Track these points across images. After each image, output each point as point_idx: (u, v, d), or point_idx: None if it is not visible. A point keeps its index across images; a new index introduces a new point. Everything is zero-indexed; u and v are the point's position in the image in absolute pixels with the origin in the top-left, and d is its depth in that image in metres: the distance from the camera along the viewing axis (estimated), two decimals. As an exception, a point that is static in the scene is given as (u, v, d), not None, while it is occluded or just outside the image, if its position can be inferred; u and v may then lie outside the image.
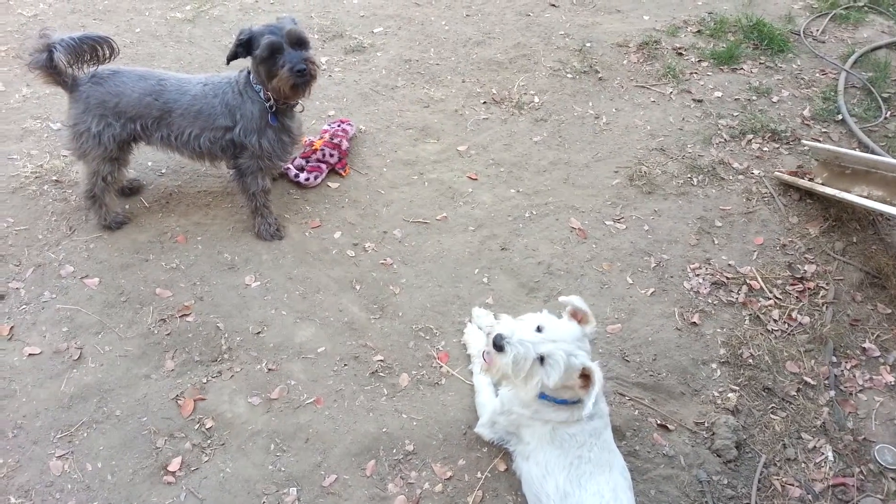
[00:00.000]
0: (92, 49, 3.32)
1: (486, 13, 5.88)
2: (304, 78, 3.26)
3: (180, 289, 3.55)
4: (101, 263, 3.63)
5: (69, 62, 3.27)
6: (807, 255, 3.90)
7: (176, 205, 3.98)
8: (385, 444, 3.01)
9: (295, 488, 2.84)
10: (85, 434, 2.97)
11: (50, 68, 3.25)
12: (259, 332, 3.39)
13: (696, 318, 3.55)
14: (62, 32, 3.24)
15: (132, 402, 3.08)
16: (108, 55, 3.40)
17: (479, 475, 2.92)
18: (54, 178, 4.05)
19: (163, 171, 4.20)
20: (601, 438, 2.56)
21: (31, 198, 3.93)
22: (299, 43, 3.27)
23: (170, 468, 2.87)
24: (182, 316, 3.42)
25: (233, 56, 3.37)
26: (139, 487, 2.81)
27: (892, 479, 2.97)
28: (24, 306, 3.41)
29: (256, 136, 3.50)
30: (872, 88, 5.05)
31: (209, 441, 2.97)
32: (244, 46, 3.32)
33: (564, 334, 2.40)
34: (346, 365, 3.29)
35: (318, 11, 5.78)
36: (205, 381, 3.18)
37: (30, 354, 3.21)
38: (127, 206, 3.94)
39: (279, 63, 3.24)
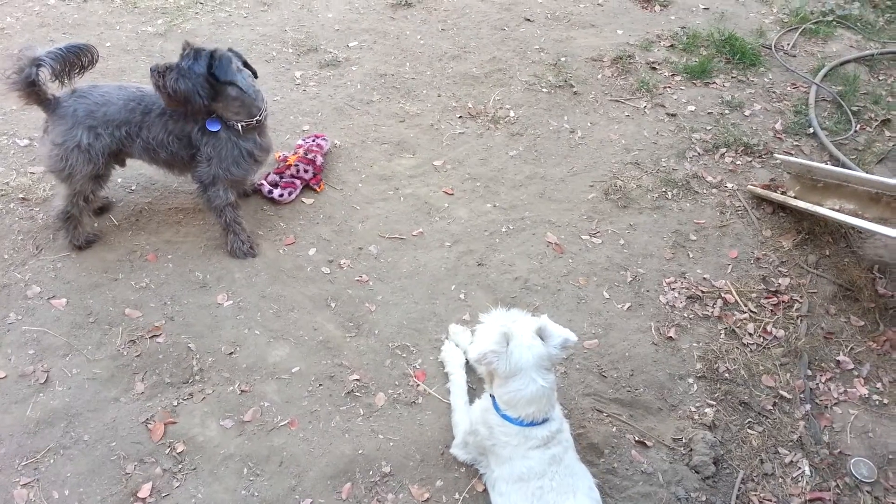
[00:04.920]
0: (77, 57, 3.31)
1: (461, 27, 5.88)
2: (153, 79, 3.28)
3: (150, 309, 3.47)
4: (69, 283, 3.54)
5: (60, 72, 3.26)
6: (780, 269, 3.93)
7: (146, 222, 3.91)
8: (361, 465, 2.96)
9: (269, 513, 2.78)
10: (51, 460, 2.88)
11: (35, 85, 3.20)
12: (231, 353, 3.33)
13: (672, 333, 3.56)
14: (43, 47, 3.20)
15: (101, 426, 3.00)
16: (91, 61, 3.41)
17: (456, 496, 2.89)
18: (20, 195, 3.96)
19: (133, 187, 4.12)
20: (563, 464, 2.55)
21: (-3, 216, 3.85)
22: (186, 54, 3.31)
23: (140, 494, 2.79)
24: (152, 337, 3.35)
25: None
26: (107, 516, 2.73)
27: (868, 492, 2.99)
28: (-12, 329, 3.32)
29: (206, 138, 3.50)
30: (842, 102, 5.13)
31: (180, 466, 2.90)
32: None
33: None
34: (321, 385, 3.24)
35: (292, 25, 5.74)
36: (176, 403, 3.11)
37: (-7, 379, 3.13)
38: (96, 224, 3.85)
39: None
